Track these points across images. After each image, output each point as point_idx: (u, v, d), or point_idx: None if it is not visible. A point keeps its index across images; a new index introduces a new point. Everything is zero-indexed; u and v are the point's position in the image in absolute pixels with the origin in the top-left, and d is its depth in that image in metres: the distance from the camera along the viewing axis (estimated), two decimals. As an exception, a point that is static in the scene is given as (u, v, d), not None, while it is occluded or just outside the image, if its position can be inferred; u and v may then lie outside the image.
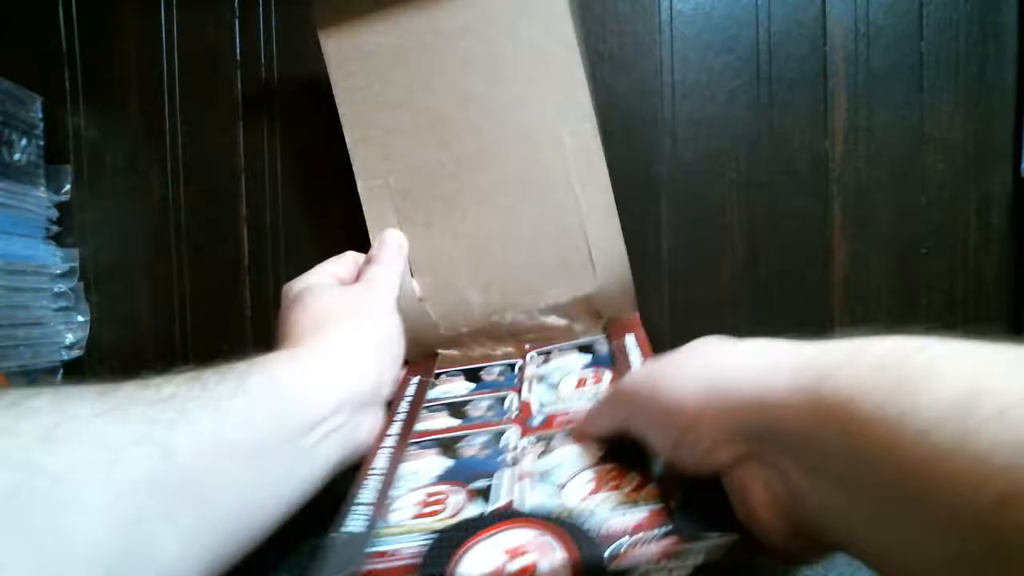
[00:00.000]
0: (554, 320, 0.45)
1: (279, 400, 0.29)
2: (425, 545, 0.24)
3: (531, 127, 0.44)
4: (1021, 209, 0.51)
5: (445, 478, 0.29)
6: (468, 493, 0.27)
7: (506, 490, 0.27)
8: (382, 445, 0.33)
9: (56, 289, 0.52)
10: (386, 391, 0.37)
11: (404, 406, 0.37)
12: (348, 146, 0.45)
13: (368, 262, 0.42)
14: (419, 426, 0.35)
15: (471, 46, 0.44)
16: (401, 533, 0.25)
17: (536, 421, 0.34)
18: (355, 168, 0.45)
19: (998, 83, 0.51)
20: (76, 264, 0.53)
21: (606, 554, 0.22)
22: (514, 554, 0.22)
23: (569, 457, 0.29)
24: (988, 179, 0.51)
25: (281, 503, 0.28)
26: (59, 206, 0.53)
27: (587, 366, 0.40)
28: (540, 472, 0.28)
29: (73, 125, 0.54)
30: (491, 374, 0.42)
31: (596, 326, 0.45)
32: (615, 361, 0.38)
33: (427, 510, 0.27)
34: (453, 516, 0.26)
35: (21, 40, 0.53)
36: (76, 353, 0.53)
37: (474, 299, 0.45)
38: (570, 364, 0.40)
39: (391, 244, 0.44)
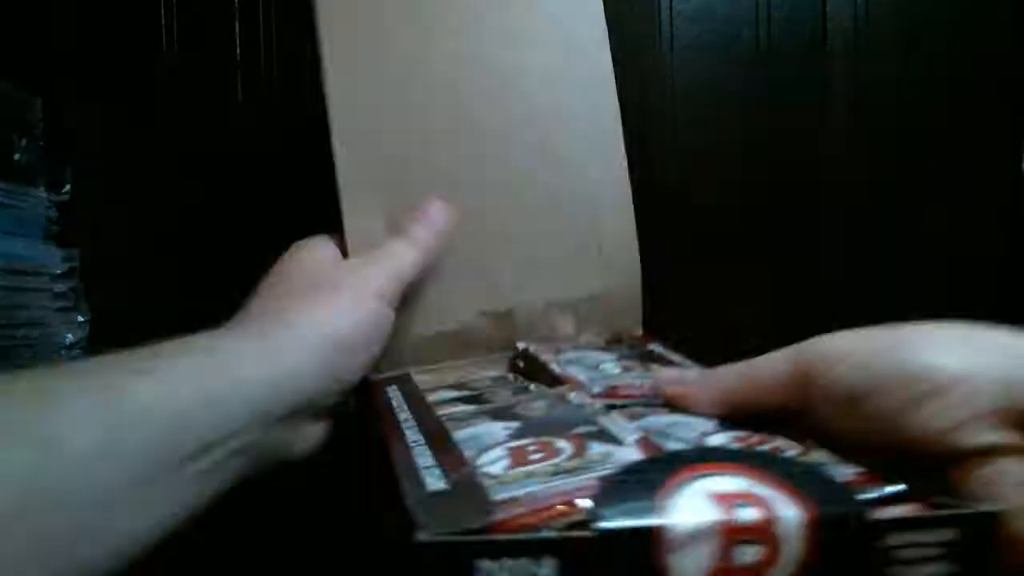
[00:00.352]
0: (561, 321, 0.40)
1: (166, 419, 0.23)
2: (579, 487, 0.19)
3: (550, 101, 0.40)
4: (1021, 209, 0.51)
5: (524, 433, 0.24)
6: (576, 437, 0.23)
7: (632, 431, 0.23)
8: (401, 427, 0.27)
9: (56, 289, 0.52)
10: (330, 401, 0.30)
11: (399, 401, 0.31)
12: (329, 101, 0.37)
13: (397, 232, 0.35)
14: (441, 412, 0.29)
15: (489, 9, 0.40)
16: (516, 480, 0.20)
17: (596, 389, 0.29)
18: (333, 128, 0.37)
19: (998, 83, 0.51)
20: (76, 264, 0.53)
21: (854, 508, 0.18)
22: (732, 501, 0.18)
23: (673, 420, 0.25)
24: (988, 179, 0.51)
25: (155, 532, 0.23)
26: (59, 206, 0.53)
27: (620, 359, 0.35)
28: (654, 430, 0.24)
29: (73, 125, 0.54)
30: (482, 383, 0.35)
31: (598, 340, 0.40)
32: (656, 360, 0.34)
33: (532, 458, 0.22)
34: (577, 456, 0.21)
35: (21, 40, 0.53)
36: (76, 353, 0.53)
37: (464, 287, 0.39)
38: (595, 356, 0.35)
39: (433, 220, 0.35)
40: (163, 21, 0.53)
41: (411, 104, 0.38)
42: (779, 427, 0.24)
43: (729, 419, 0.25)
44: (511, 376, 0.36)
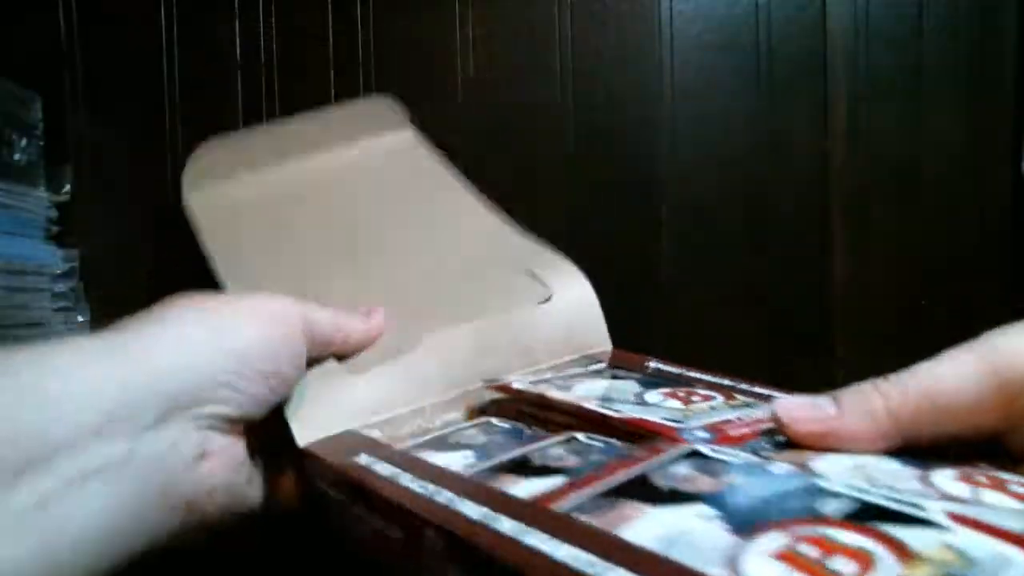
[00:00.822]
0: (518, 334, 0.33)
1: None
2: None
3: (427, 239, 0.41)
4: (1021, 209, 0.51)
5: (755, 527, 0.17)
6: (866, 529, 0.16)
7: (926, 503, 0.17)
8: (494, 528, 0.18)
9: (56, 289, 0.52)
10: (231, 410, 0.24)
11: (413, 479, 0.22)
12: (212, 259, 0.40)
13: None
14: (514, 490, 0.21)
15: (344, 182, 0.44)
16: None
17: (700, 435, 0.23)
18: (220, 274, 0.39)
19: (998, 83, 0.51)
20: (76, 264, 0.53)
21: None
22: None
23: (853, 464, 0.20)
24: (988, 179, 0.51)
25: None
26: (59, 206, 0.53)
27: (651, 386, 0.29)
28: (869, 486, 0.19)
29: (73, 125, 0.54)
30: (473, 438, 0.27)
31: (559, 356, 0.34)
32: (683, 383, 0.29)
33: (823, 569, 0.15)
34: (912, 563, 0.15)
35: (21, 40, 0.53)
36: (76, 353, 0.53)
37: (400, 316, 0.33)
38: (616, 386, 0.30)
39: (366, 316, 0.32)
40: (163, 21, 0.53)
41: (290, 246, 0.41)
42: (962, 451, 0.20)
43: (900, 452, 0.20)
44: (495, 420, 0.29)
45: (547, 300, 0.34)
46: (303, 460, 0.27)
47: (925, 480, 0.19)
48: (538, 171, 0.53)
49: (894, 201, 0.52)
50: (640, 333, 0.45)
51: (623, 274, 0.51)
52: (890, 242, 0.52)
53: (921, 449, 0.20)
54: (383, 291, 0.35)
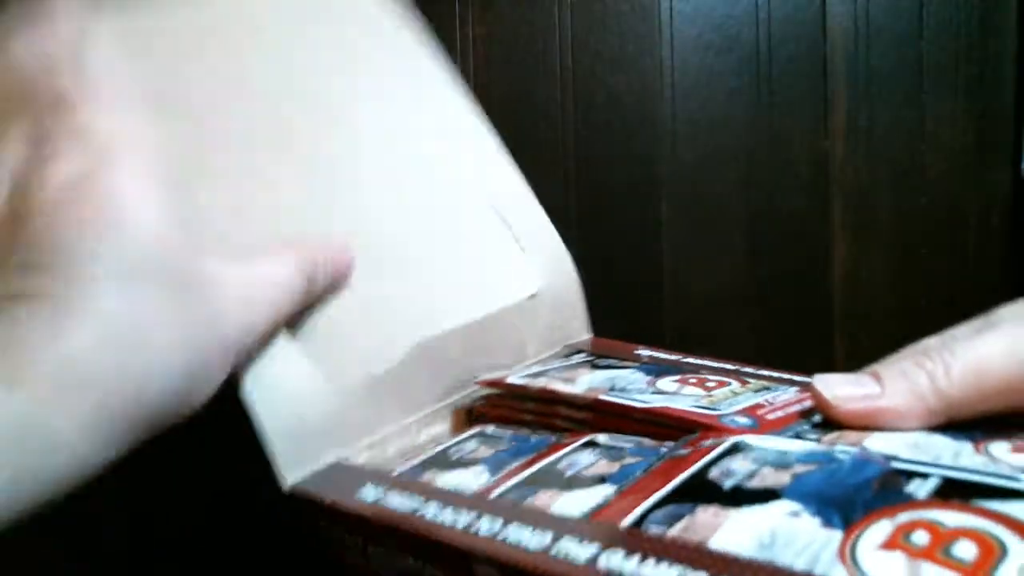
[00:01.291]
0: (505, 332, 0.31)
1: None
2: None
3: (399, 127, 0.33)
4: (1021, 209, 0.51)
5: (854, 515, 0.16)
6: (984, 512, 0.15)
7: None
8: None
9: (56, 289, 0.52)
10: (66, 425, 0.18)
11: (434, 509, 0.20)
12: None
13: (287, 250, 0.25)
14: (560, 506, 0.19)
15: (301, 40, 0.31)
16: None
17: (742, 421, 0.22)
18: None
19: (998, 83, 0.51)
20: (76, 264, 0.53)
21: None
22: None
23: (907, 442, 0.19)
24: (988, 179, 0.51)
25: None
26: (59, 206, 0.53)
27: (657, 374, 0.27)
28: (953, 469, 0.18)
29: (73, 125, 0.54)
30: (477, 451, 0.25)
31: (546, 349, 0.33)
32: (682, 368, 0.28)
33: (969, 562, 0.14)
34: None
35: (21, 40, 0.53)
36: (76, 353, 0.53)
37: (381, 319, 0.28)
38: (627, 375, 0.28)
39: (326, 253, 0.26)
40: (163, 21, 0.53)
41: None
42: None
43: (939, 427, 0.20)
44: (491, 429, 0.27)
45: (536, 296, 0.33)
46: (292, 500, 0.24)
47: (986, 453, 0.18)
48: (538, 171, 0.53)
49: (894, 201, 0.52)
50: (640, 333, 0.45)
51: (623, 274, 0.51)
52: (890, 242, 0.52)
53: (955, 423, 0.20)
54: (351, 230, 0.29)
